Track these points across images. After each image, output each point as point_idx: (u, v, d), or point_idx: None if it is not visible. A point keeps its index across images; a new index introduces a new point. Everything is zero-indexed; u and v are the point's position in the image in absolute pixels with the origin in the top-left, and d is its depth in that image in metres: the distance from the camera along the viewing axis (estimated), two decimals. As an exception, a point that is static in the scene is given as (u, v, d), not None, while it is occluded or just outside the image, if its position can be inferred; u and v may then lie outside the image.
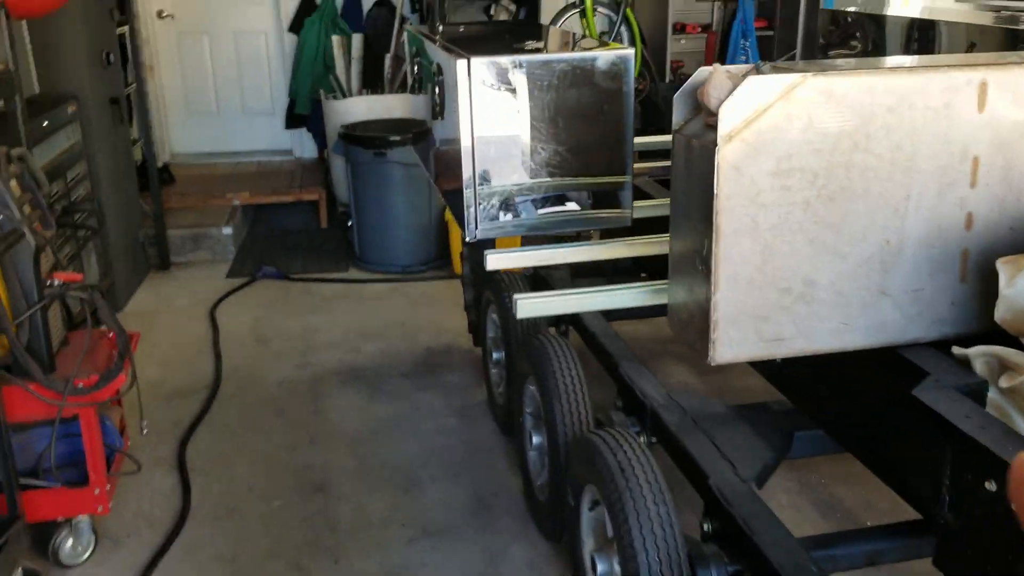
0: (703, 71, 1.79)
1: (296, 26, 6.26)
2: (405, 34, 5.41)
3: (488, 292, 3.34)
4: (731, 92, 1.64)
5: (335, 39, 5.51)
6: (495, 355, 3.29)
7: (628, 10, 5.18)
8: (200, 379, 3.78)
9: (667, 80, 6.38)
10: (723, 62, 5.30)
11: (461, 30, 3.45)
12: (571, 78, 2.39)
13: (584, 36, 5.22)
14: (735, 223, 1.69)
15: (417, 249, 5.04)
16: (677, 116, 1.85)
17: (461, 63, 2.31)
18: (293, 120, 6.40)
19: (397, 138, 4.79)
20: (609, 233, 2.63)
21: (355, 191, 5.02)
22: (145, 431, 2.83)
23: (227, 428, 3.39)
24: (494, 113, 2.37)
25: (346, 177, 5.09)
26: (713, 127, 1.68)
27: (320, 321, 4.38)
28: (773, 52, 4.61)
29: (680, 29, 7.04)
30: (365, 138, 4.85)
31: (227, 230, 5.33)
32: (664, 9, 6.70)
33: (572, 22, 5.31)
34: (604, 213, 2.51)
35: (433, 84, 2.73)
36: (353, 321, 4.37)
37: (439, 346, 4.06)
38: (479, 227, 2.47)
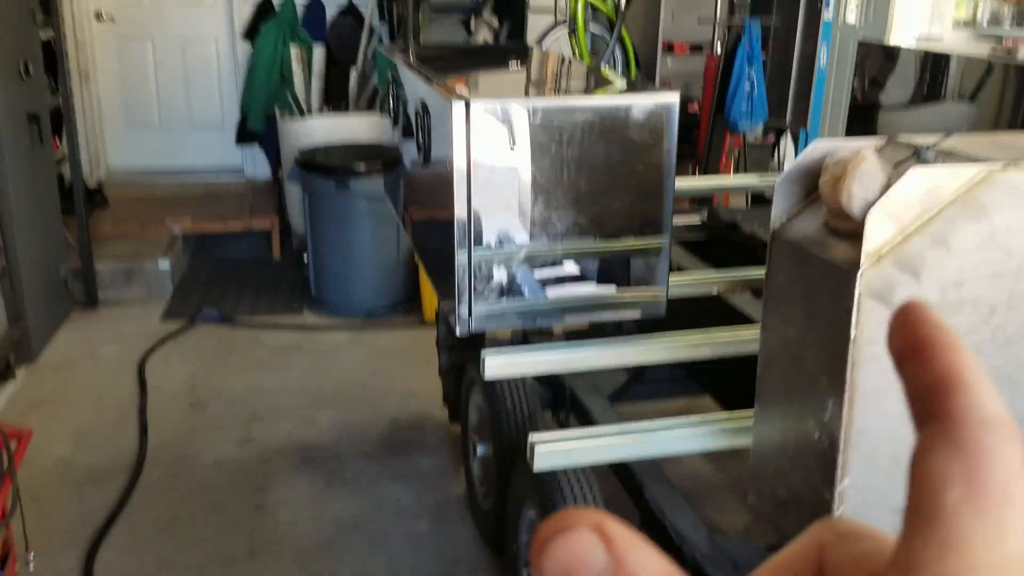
0: (824, 146, 1.24)
1: (251, 33, 5.63)
2: (375, 52, 4.83)
3: (471, 367, 2.77)
4: (884, 189, 1.09)
5: (293, 50, 4.90)
6: (479, 449, 2.72)
7: (623, 29, 4.65)
8: (120, 457, 3.16)
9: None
10: (724, 90, 4.80)
11: (437, 53, 2.90)
12: (599, 130, 1.84)
13: (573, 59, 4.67)
14: (878, 379, 1.14)
15: (382, 291, 4.45)
16: (779, 207, 1.30)
17: (457, 106, 1.75)
18: (245, 135, 5.77)
19: (362, 167, 4.20)
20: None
21: (312, 224, 4.41)
22: (32, 566, 2.21)
23: (147, 530, 2.77)
24: (498, 170, 1.82)
25: (303, 207, 4.49)
26: (844, 235, 1.14)
27: (268, 380, 3.77)
28: (790, 85, 4.13)
29: (668, 48, 6.54)
30: (326, 166, 4.25)
31: (164, 264, 4.69)
32: (654, 26, 6.19)
33: (561, 42, 4.77)
34: (632, 294, 1.96)
35: (419, 124, 2.16)
36: (307, 381, 3.77)
37: (409, 417, 3.48)
38: (473, 318, 1.91)
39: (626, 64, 4.77)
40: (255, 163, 6.04)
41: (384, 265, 4.41)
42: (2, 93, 3.60)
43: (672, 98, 1.86)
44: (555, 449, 1.69)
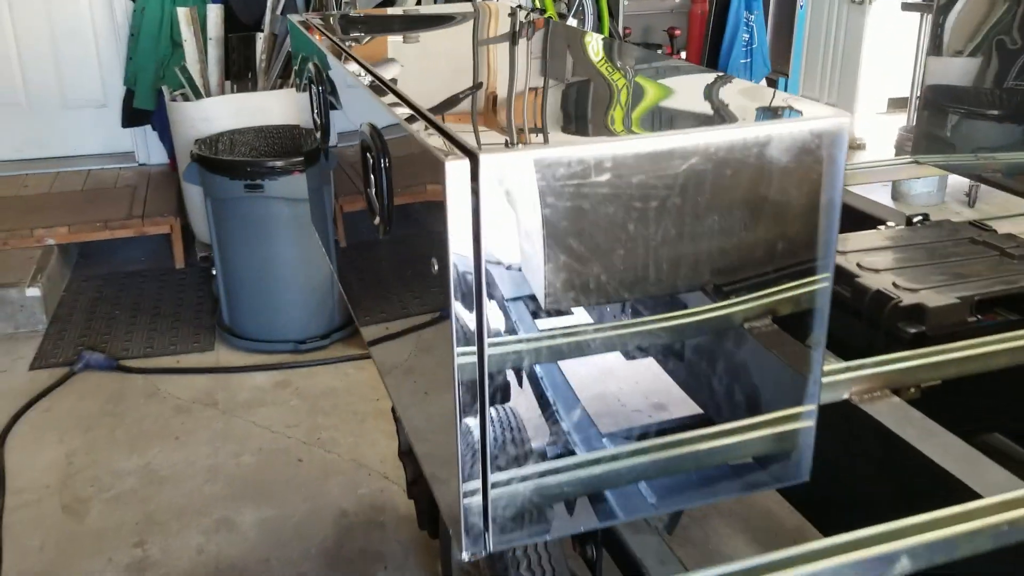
0: None
1: (130, -14, 4.56)
2: (285, 22, 3.84)
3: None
4: None
5: (181, 11, 3.86)
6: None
7: (596, -28, 3.76)
8: (-42, 609, 2.25)
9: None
10: (718, 40, 3.97)
11: (367, 25, 1.99)
12: (714, 178, 1.00)
13: (535, 10, 3.76)
14: None
15: (314, 316, 3.55)
16: None
17: (457, 167, 0.88)
18: (133, 116, 4.72)
19: (279, 164, 3.26)
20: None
21: (219, 234, 3.47)
22: None
23: None
24: (530, 265, 0.97)
25: (206, 213, 3.53)
26: None
27: (169, 457, 2.87)
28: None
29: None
30: (231, 164, 3.29)
31: (32, 291, 3.70)
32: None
33: (520, -11, 3.84)
34: (758, 436, 1.15)
35: (366, 162, 1.27)
36: (221, 455, 2.88)
37: (361, 509, 2.62)
38: (492, 532, 1.07)
39: (598, 17, 3.89)
40: (148, 147, 5.02)
41: (314, 283, 3.51)
42: None
43: (839, 122, 1.02)
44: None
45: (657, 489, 1.26)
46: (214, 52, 3.92)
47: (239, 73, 4.01)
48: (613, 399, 1.76)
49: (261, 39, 4.00)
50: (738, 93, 1.19)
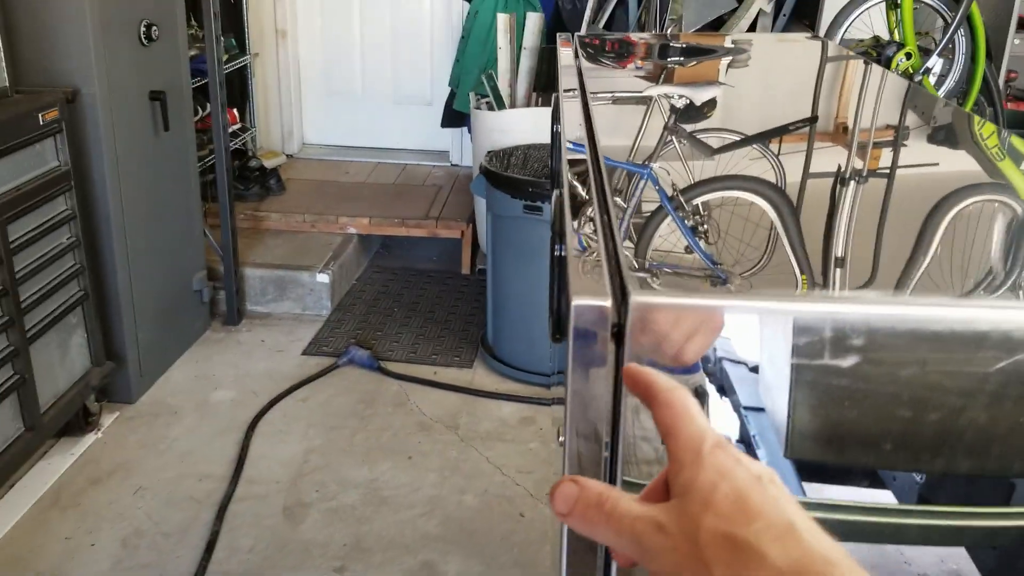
0: None
1: (470, -12, 4.59)
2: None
3: None
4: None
5: (501, 18, 3.76)
6: None
7: (974, 4, 3.10)
8: (163, 592, 2.27)
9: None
10: None
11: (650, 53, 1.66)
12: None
13: (891, 43, 3.18)
14: None
15: (577, 351, 3.28)
16: None
17: (585, 315, 0.54)
18: (451, 117, 4.77)
19: (562, 187, 3.03)
20: None
21: (495, 252, 3.33)
22: None
23: None
24: None
25: (487, 228, 3.41)
26: None
27: (395, 477, 2.75)
28: None
29: (1023, 25, 4.73)
30: (512, 181, 3.12)
31: (322, 277, 3.81)
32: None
33: (873, 16, 3.28)
34: None
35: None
36: (445, 486, 2.72)
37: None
38: None
39: (972, 56, 3.22)
40: (463, 150, 5.06)
41: (582, 317, 3.24)
42: (106, 65, 2.78)
43: None
44: None
45: None
46: (527, 62, 3.79)
47: (548, 85, 3.85)
48: (894, 550, 1.32)
49: (578, 52, 3.79)
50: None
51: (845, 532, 1.03)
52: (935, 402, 0.69)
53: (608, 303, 0.60)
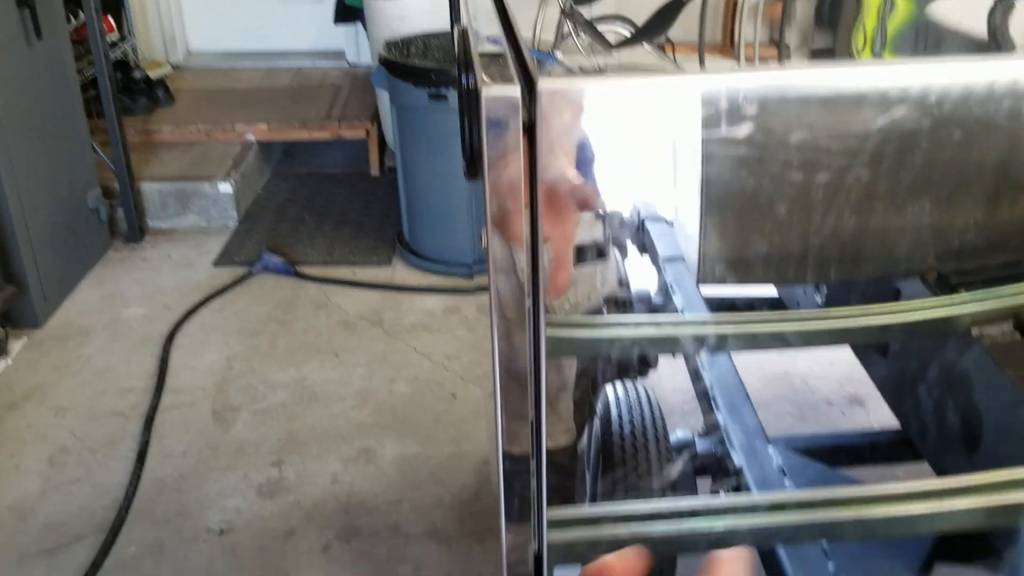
0: None
1: None
2: None
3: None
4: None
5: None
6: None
7: None
8: (98, 506, 2.24)
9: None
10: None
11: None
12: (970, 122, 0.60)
13: None
14: None
15: (493, 238, 3.29)
16: None
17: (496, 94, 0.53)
18: (344, 12, 4.60)
19: (466, 71, 2.97)
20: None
21: (403, 146, 3.27)
22: None
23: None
24: None
25: (392, 121, 3.34)
26: None
27: (324, 374, 2.75)
28: None
29: None
30: (414, 69, 3.05)
31: (225, 186, 3.69)
32: None
33: None
34: None
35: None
36: (375, 379, 2.72)
37: (505, 462, 2.38)
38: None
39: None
40: (359, 47, 4.91)
41: (496, 204, 3.23)
42: (-34, -32, 2.57)
43: None
44: None
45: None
46: (418, -54, 3.66)
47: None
48: (800, 381, 1.45)
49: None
50: None
51: (757, 341, 1.08)
52: (823, 163, 0.72)
53: (517, 92, 0.60)
